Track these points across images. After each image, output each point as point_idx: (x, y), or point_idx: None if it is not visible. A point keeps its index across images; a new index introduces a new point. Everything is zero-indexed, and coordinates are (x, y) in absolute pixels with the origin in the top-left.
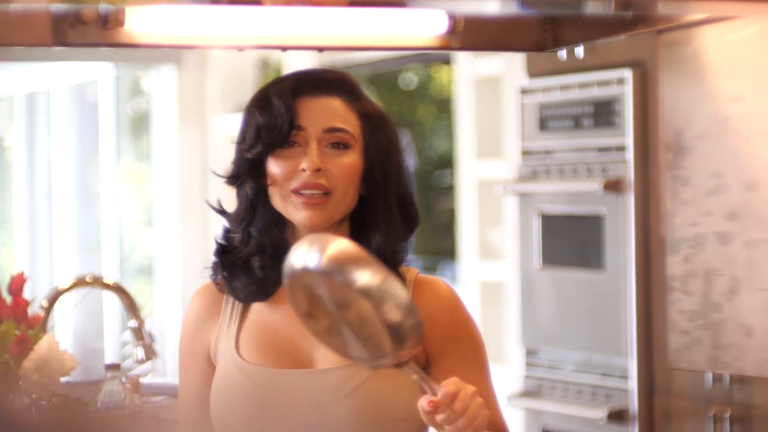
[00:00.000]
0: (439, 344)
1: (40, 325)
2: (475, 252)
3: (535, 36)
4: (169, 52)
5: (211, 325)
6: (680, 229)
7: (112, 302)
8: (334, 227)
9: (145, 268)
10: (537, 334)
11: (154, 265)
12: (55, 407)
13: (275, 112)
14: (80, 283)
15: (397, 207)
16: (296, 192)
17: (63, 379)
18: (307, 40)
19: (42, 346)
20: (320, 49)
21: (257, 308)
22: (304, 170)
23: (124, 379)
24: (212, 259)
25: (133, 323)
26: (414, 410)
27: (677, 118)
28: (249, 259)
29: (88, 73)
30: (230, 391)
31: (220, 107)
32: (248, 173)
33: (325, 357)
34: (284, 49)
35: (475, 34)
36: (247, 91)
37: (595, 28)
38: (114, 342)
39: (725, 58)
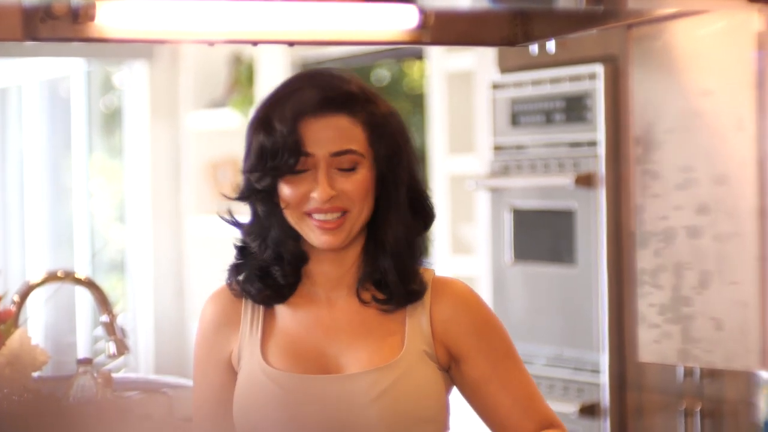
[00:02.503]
0: (466, 342)
1: (12, 320)
2: (447, 247)
3: (506, 30)
4: (141, 48)
5: (231, 331)
6: (650, 223)
7: (85, 298)
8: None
9: (117, 264)
10: (509, 328)
11: (127, 260)
12: (26, 402)
13: (279, 140)
14: (52, 278)
15: (408, 206)
16: (310, 215)
17: (35, 374)
18: (277, 34)
19: (14, 341)
20: (291, 44)
21: (280, 315)
22: (314, 198)
23: (96, 374)
24: (230, 261)
25: (104, 318)
26: (440, 411)
27: (647, 112)
28: (268, 268)
29: (60, 69)
30: (259, 399)
31: (192, 103)
32: (258, 195)
33: (352, 362)
34: (255, 43)
35: (446, 29)
36: (220, 86)
37: (565, 23)
38: (87, 337)
39: (696, 53)
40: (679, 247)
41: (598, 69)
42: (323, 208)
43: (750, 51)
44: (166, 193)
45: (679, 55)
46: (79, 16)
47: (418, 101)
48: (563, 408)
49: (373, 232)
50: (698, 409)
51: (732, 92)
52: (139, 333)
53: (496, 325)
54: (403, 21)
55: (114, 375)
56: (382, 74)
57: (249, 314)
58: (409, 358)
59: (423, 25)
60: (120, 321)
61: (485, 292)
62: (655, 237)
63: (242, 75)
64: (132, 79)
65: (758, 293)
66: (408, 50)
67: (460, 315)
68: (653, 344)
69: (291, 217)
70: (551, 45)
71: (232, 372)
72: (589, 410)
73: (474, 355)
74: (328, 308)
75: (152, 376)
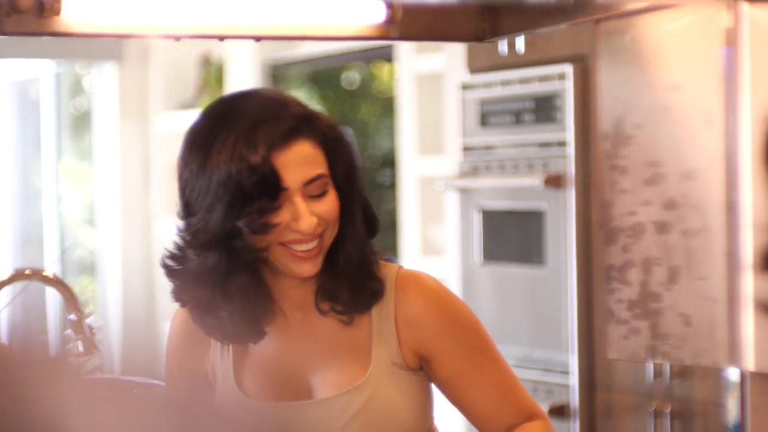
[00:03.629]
0: (433, 343)
1: None
2: (417, 249)
3: (474, 25)
4: (111, 49)
5: (203, 350)
6: (618, 219)
7: (56, 299)
8: None
9: (88, 266)
10: None
11: (97, 263)
12: None
13: (258, 177)
14: (19, 276)
15: (362, 216)
16: (285, 245)
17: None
18: (244, 29)
19: None
20: (258, 39)
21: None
22: (296, 230)
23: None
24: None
25: (72, 317)
26: (419, 419)
27: (616, 107)
28: (229, 312)
29: (29, 71)
30: (236, 427)
31: (162, 105)
32: (226, 239)
33: (322, 385)
34: (221, 38)
35: (414, 24)
36: (190, 88)
37: (534, 18)
38: (59, 339)
39: (664, 47)
40: (647, 243)
41: (568, 69)
42: (305, 238)
43: (718, 46)
44: (136, 195)
45: (647, 49)
46: (45, 10)
47: (387, 104)
48: None
49: (330, 250)
50: (668, 410)
51: (700, 87)
52: (112, 335)
53: (463, 319)
54: (371, 16)
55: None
56: (352, 77)
57: None
58: (377, 375)
59: (390, 20)
60: (91, 321)
61: (455, 293)
62: (624, 233)
63: (212, 76)
64: (101, 80)
65: (726, 289)
66: (377, 52)
67: (425, 315)
68: (622, 341)
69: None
70: (521, 45)
71: (207, 383)
72: (559, 411)
73: (441, 354)
74: (295, 328)
75: (122, 377)
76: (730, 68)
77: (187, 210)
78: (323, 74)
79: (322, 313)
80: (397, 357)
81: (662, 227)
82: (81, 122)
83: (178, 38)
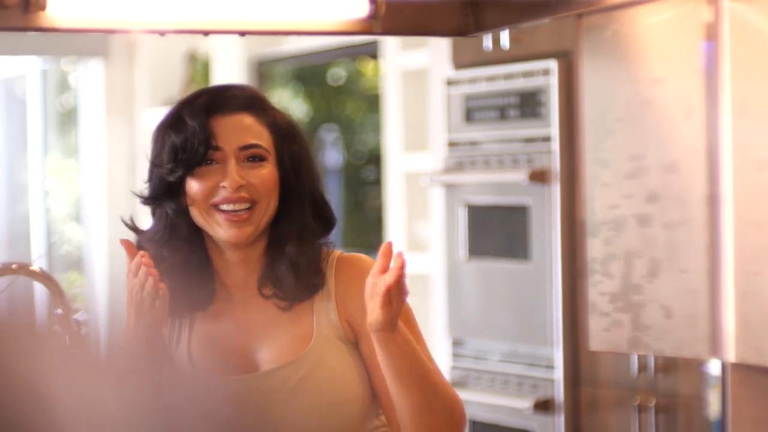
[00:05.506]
0: (359, 318)
1: None
2: (403, 244)
3: (457, 20)
4: (97, 45)
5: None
6: (600, 212)
7: (45, 296)
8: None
9: (74, 262)
10: (463, 325)
11: (84, 259)
12: None
13: (190, 133)
14: (6, 270)
15: (311, 211)
16: (217, 206)
17: None
18: (229, 24)
19: None
20: (242, 33)
21: (202, 317)
22: (224, 187)
23: None
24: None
25: (59, 311)
26: (362, 390)
27: (598, 101)
28: (170, 277)
29: (16, 68)
30: (184, 400)
31: (148, 101)
32: (167, 194)
33: (267, 359)
34: (206, 33)
35: (397, 19)
36: (175, 84)
37: (516, 13)
38: (47, 332)
39: (645, 41)
40: (629, 236)
41: (552, 64)
42: (232, 197)
43: (699, 40)
44: (122, 192)
45: (629, 44)
46: (30, 6)
47: (373, 101)
48: (517, 404)
49: (274, 235)
50: (652, 404)
51: (681, 80)
52: (97, 329)
53: None
54: (354, 10)
55: None
56: (338, 74)
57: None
58: (318, 348)
59: (374, 15)
60: (78, 316)
61: (440, 289)
62: (606, 226)
63: (198, 72)
64: (87, 77)
65: (707, 281)
66: (363, 48)
67: (356, 291)
68: (604, 333)
69: (198, 213)
70: (505, 40)
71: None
72: (543, 406)
73: (366, 331)
74: (241, 307)
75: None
76: (711, 62)
77: (147, 174)
78: (309, 71)
79: (264, 297)
80: (338, 331)
81: (644, 220)
82: (67, 119)
83: (162, 33)
